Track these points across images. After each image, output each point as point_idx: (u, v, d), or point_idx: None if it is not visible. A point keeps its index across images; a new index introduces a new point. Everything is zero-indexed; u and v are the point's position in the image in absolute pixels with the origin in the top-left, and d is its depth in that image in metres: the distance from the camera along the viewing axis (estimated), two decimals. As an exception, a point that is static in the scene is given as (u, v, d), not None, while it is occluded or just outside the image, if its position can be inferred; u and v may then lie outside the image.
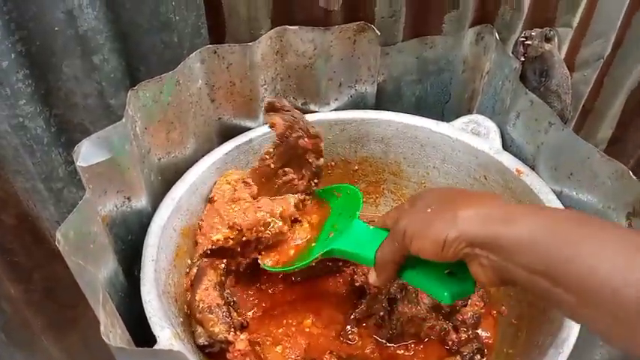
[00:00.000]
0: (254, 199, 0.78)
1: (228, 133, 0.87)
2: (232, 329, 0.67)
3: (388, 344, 0.75)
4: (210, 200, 0.79)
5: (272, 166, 0.78)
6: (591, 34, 1.13)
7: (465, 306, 0.76)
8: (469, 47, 0.96)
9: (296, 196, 0.80)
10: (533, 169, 0.81)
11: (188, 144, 0.81)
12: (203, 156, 0.82)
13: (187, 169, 0.80)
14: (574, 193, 0.76)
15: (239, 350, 0.65)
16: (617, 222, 0.70)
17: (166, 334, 0.60)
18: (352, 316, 0.77)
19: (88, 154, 0.62)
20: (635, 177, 0.66)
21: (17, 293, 0.83)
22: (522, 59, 0.85)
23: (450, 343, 0.75)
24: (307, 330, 0.76)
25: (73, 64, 0.68)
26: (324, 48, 0.86)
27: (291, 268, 0.75)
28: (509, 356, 0.73)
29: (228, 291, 0.74)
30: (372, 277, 0.64)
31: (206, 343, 0.67)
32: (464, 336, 0.75)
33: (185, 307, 0.71)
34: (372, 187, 0.98)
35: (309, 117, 0.88)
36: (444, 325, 0.75)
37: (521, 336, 0.73)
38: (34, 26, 0.63)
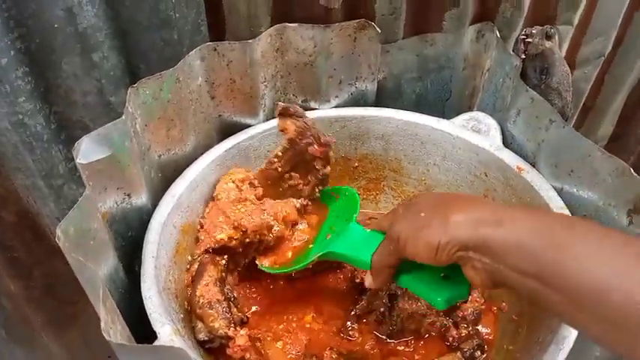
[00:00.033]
0: (258, 200, 0.79)
1: (228, 130, 0.87)
2: (232, 325, 0.67)
3: (388, 340, 0.75)
4: (213, 198, 0.79)
5: (279, 169, 0.79)
6: (592, 32, 1.13)
7: (466, 302, 0.76)
8: (470, 45, 0.96)
9: (299, 200, 0.80)
10: (533, 166, 0.81)
11: (188, 141, 0.81)
12: (203, 153, 0.82)
13: (187, 166, 0.80)
14: (575, 190, 0.75)
15: (239, 346, 0.65)
16: (608, 225, 0.70)
17: (167, 330, 0.60)
18: (353, 312, 0.77)
19: (87, 151, 0.62)
20: (635, 174, 0.66)
21: (17, 290, 0.83)
22: (523, 57, 0.84)
23: (451, 339, 0.75)
24: (308, 326, 0.76)
25: (72, 62, 0.68)
26: (325, 45, 0.86)
27: (289, 269, 0.75)
28: (510, 352, 0.73)
29: (229, 287, 0.74)
30: (369, 281, 0.65)
31: (206, 338, 0.67)
32: (464, 332, 0.75)
33: (185, 303, 0.71)
34: (372, 184, 0.98)
35: (308, 114, 0.88)
36: (445, 322, 0.75)
37: (521, 332, 0.73)
38: (33, 23, 0.63)
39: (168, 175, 0.79)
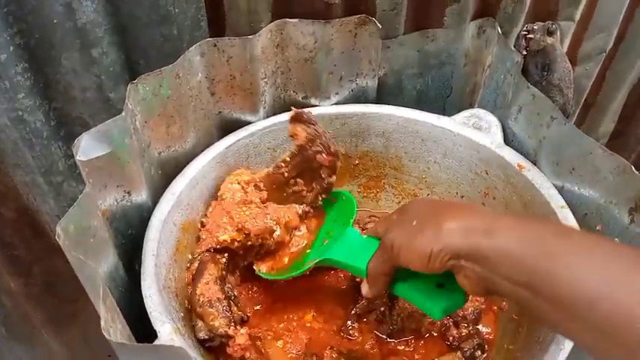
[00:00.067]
0: (262, 203, 0.79)
1: (229, 126, 0.86)
2: (232, 323, 0.67)
3: (389, 339, 0.75)
4: (216, 197, 0.79)
5: (285, 174, 0.79)
6: (593, 28, 1.13)
7: (466, 301, 0.76)
8: (471, 40, 0.95)
9: (301, 207, 0.80)
10: (534, 164, 0.81)
11: (188, 138, 0.81)
12: (203, 150, 0.82)
13: (187, 163, 0.80)
14: (576, 188, 0.75)
15: (239, 344, 0.65)
16: (610, 223, 0.71)
17: (167, 329, 0.60)
18: (353, 312, 0.76)
19: (87, 147, 0.61)
20: (637, 172, 0.66)
21: (17, 287, 0.83)
22: (524, 53, 0.84)
23: (451, 338, 0.75)
24: (308, 325, 0.76)
25: (72, 57, 0.68)
26: (325, 41, 0.85)
27: (285, 276, 0.76)
28: (510, 352, 0.72)
29: (229, 285, 0.74)
30: (365, 289, 0.65)
31: (206, 337, 0.66)
32: (464, 331, 0.75)
33: (186, 301, 0.71)
34: (372, 182, 0.97)
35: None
36: (445, 321, 0.75)
37: (522, 332, 0.73)
38: (32, 19, 0.63)
39: (169, 172, 0.79)
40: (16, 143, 0.68)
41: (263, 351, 0.70)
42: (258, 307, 0.78)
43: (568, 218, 0.72)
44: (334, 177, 0.79)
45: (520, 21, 0.97)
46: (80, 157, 0.61)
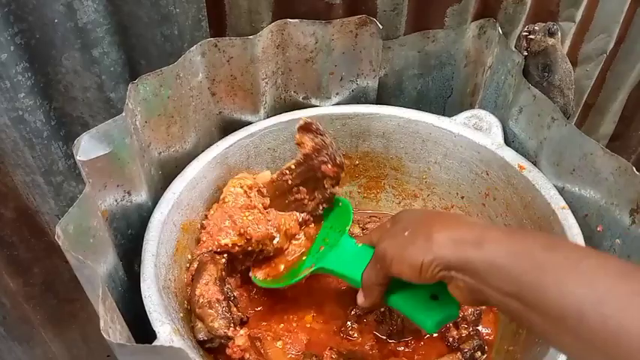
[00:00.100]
0: (265, 209, 0.79)
1: (229, 127, 0.86)
2: (232, 325, 0.66)
3: (389, 340, 0.75)
4: (218, 200, 0.79)
5: (289, 182, 0.79)
6: (594, 29, 1.13)
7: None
8: (471, 41, 0.95)
9: (302, 215, 0.81)
10: (535, 165, 0.81)
11: (188, 138, 0.81)
12: (203, 150, 0.82)
13: (188, 163, 0.80)
14: (576, 189, 0.75)
15: (238, 346, 0.65)
16: (611, 224, 0.71)
17: (166, 329, 0.60)
18: (353, 312, 0.76)
19: (87, 147, 0.61)
20: (638, 173, 0.66)
21: (16, 287, 0.83)
22: (525, 54, 0.84)
23: (451, 339, 0.75)
24: (308, 325, 0.76)
25: (72, 57, 0.68)
26: (326, 42, 0.85)
27: (281, 284, 0.76)
28: (510, 353, 0.72)
29: (229, 286, 0.74)
30: (360, 299, 0.66)
31: (205, 338, 0.66)
32: (464, 332, 0.75)
33: (185, 302, 0.71)
34: (373, 182, 0.97)
35: (308, 111, 0.88)
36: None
37: (522, 333, 0.72)
38: (33, 19, 0.63)
39: (169, 172, 0.79)
40: (17, 143, 0.68)
41: (263, 351, 0.70)
42: (258, 309, 0.78)
43: (568, 219, 0.72)
44: (337, 188, 0.80)
45: (521, 22, 0.97)
46: (80, 156, 0.60)
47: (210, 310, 0.66)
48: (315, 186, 0.79)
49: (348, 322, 0.76)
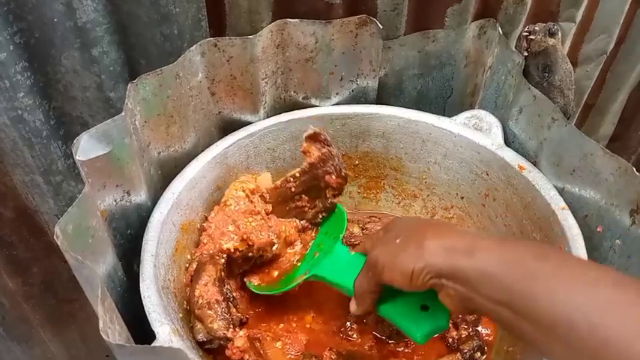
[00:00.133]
0: (267, 215, 0.79)
1: (229, 127, 0.86)
2: (231, 326, 0.66)
3: (388, 341, 0.75)
4: (219, 202, 0.79)
5: (292, 189, 0.79)
6: (594, 30, 1.13)
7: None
8: (472, 41, 0.95)
9: (301, 222, 0.81)
10: (535, 165, 0.80)
11: (188, 138, 0.80)
12: (203, 150, 0.82)
13: (187, 163, 0.80)
14: (576, 189, 0.75)
15: (238, 347, 0.65)
16: (610, 225, 0.71)
17: (165, 330, 0.59)
18: (352, 313, 0.76)
19: (87, 147, 0.61)
20: (638, 173, 0.66)
21: (15, 287, 0.83)
22: (525, 54, 0.84)
23: (450, 340, 0.75)
24: (308, 326, 0.76)
25: (72, 57, 0.67)
26: (326, 41, 0.85)
27: (276, 291, 0.76)
28: (510, 354, 0.72)
29: (228, 287, 0.73)
30: (353, 307, 0.66)
31: (205, 339, 0.66)
32: (464, 333, 0.75)
33: (185, 302, 0.71)
34: (372, 183, 0.97)
35: (308, 111, 0.88)
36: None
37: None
38: (32, 18, 0.63)
39: (168, 172, 0.79)
40: (16, 142, 0.67)
41: (262, 352, 0.70)
42: (258, 309, 0.78)
43: (568, 219, 0.72)
44: (339, 198, 0.80)
45: (521, 22, 0.97)
46: (79, 156, 0.60)
47: (209, 311, 0.66)
48: (316, 195, 0.79)
49: (348, 323, 0.76)
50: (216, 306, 0.67)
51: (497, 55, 0.92)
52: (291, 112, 0.88)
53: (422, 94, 1.00)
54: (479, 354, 0.73)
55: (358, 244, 0.84)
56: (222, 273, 0.72)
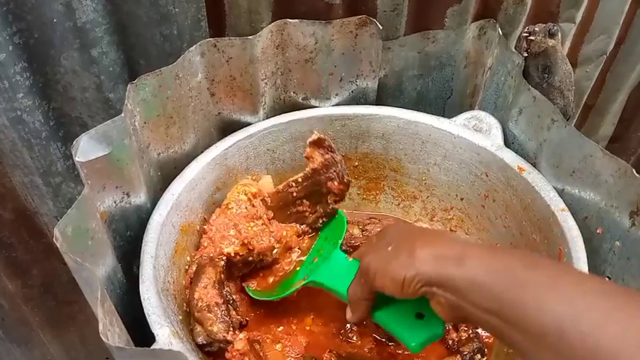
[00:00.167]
0: (268, 219, 0.79)
1: (228, 127, 0.86)
2: (231, 328, 0.66)
3: (388, 343, 0.75)
4: (220, 205, 0.79)
5: (294, 194, 0.80)
6: (594, 30, 1.13)
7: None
8: (471, 42, 0.95)
9: (301, 227, 0.81)
10: (535, 167, 0.80)
11: (187, 139, 0.80)
12: (202, 151, 0.82)
13: (187, 164, 0.79)
14: (576, 191, 0.75)
15: (237, 350, 0.65)
16: (610, 227, 0.71)
17: (165, 332, 0.59)
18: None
19: (86, 148, 0.61)
20: (638, 175, 0.66)
21: (15, 289, 0.83)
22: (525, 55, 0.84)
23: (450, 342, 0.75)
24: (307, 328, 0.76)
25: (71, 57, 0.67)
26: (326, 42, 0.85)
27: (274, 297, 0.76)
28: (510, 356, 0.72)
29: (228, 289, 0.73)
30: (348, 315, 0.66)
31: (205, 342, 0.66)
32: (464, 335, 0.75)
33: (184, 304, 0.71)
34: (372, 184, 0.97)
35: (308, 112, 0.88)
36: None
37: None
38: (32, 18, 0.63)
39: (168, 173, 0.78)
40: (15, 143, 0.67)
41: (262, 354, 0.69)
42: (258, 312, 0.78)
43: (568, 221, 0.72)
44: (340, 204, 0.80)
45: (521, 22, 0.97)
46: (79, 158, 0.60)
47: (209, 314, 0.66)
48: (318, 200, 0.80)
49: (348, 325, 0.76)
50: (215, 309, 0.67)
51: (497, 56, 0.92)
52: (290, 113, 0.88)
53: (422, 94, 1.00)
54: (479, 356, 0.73)
55: (358, 245, 0.85)
56: (222, 275, 0.72)
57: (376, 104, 0.94)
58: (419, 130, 0.89)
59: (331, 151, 0.77)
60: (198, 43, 0.75)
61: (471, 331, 0.75)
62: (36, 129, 0.68)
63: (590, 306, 0.43)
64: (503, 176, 0.82)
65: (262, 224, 0.78)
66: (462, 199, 0.90)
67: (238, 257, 0.75)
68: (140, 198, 0.72)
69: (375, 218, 0.95)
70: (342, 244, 0.76)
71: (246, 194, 0.79)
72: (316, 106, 0.91)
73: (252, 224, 0.77)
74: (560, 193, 0.76)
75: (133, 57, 0.73)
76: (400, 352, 0.74)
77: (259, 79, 0.84)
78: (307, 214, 0.80)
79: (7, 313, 0.85)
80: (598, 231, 0.73)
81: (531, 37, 0.83)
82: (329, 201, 0.79)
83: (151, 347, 0.57)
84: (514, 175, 0.80)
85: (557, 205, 0.74)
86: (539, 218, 0.77)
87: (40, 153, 0.70)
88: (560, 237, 0.72)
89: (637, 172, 0.66)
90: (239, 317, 0.72)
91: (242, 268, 0.77)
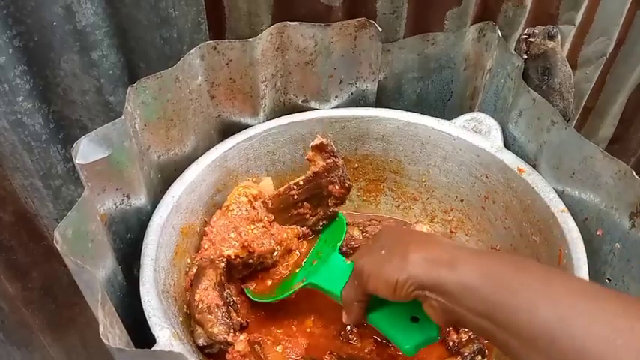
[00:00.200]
0: (268, 222, 0.79)
1: (228, 130, 0.86)
2: (232, 330, 0.66)
3: (388, 344, 0.75)
4: (221, 207, 0.79)
5: (295, 197, 0.80)
6: (594, 32, 1.13)
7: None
8: (471, 44, 0.95)
9: (302, 229, 0.81)
10: (535, 168, 0.80)
11: (187, 141, 0.80)
12: (203, 153, 0.82)
13: (187, 166, 0.80)
14: (576, 192, 0.75)
15: (238, 351, 0.65)
16: (610, 228, 0.71)
17: (165, 333, 0.59)
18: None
19: (86, 151, 0.61)
20: (637, 177, 0.66)
21: (15, 291, 0.83)
22: (525, 57, 0.84)
23: (451, 343, 0.74)
24: (308, 330, 0.76)
25: (71, 60, 0.67)
26: (325, 44, 0.85)
27: (273, 298, 0.76)
28: (510, 357, 0.72)
29: (228, 291, 0.73)
30: (344, 317, 0.66)
31: (205, 343, 0.66)
32: (465, 336, 0.75)
33: (185, 306, 0.71)
34: (372, 186, 0.97)
35: (308, 115, 0.88)
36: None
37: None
38: (32, 21, 0.63)
39: (168, 175, 0.79)
40: (15, 146, 0.67)
41: (262, 356, 0.69)
42: (259, 314, 0.78)
43: (568, 222, 0.72)
44: (341, 207, 0.80)
45: (520, 25, 0.97)
46: (79, 160, 0.60)
47: (209, 316, 0.66)
48: (318, 203, 0.80)
49: (348, 327, 0.76)
50: (216, 310, 0.67)
51: (496, 58, 0.92)
52: (290, 115, 0.89)
53: (421, 97, 1.00)
54: (479, 357, 0.73)
55: (358, 247, 0.85)
56: (223, 277, 0.72)
57: (376, 106, 0.94)
58: (419, 131, 0.89)
59: (333, 156, 0.77)
60: (198, 46, 0.75)
61: (471, 333, 0.75)
62: (36, 132, 0.68)
63: (576, 308, 0.44)
64: (503, 178, 0.82)
65: (263, 227, 0.78)
66: (461, 201, 0.90)
67: (238, 259, 0.75)
68: (140, 200, 0.72)
69: (376, 220, 0.95)
70: (341, 246, 0.76)
71: (246, 196, 0.79)
72: (316, 109, 0.92)
73: (252, 227, 0.77)
74: (561, 194, 0.76)
75: (133, 60, 0.73)
76: (400, 353, 0.74)
77: (259, 82, 0.84)
78: (308, 216, 0.81)
79: (8, 315, 0.85)
80: (598, 233, 0.73)
81: (531, 40, 0.84)
82: (329, 204, 0.79)
83: (152, 348, 0.57)
84: (514, 176, 0.80)
85: (557, 206, 0.75)
86: (539, 219, 0.77)
87: (40, 156, 0.70)
88: (560, 238, 0.72)
89: (637, 174, 0.66)
90: (239, 319, 0.72)
91: (242, 270, 0.77)
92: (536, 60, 0.83)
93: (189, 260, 0.75)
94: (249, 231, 0.76)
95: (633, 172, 0.66)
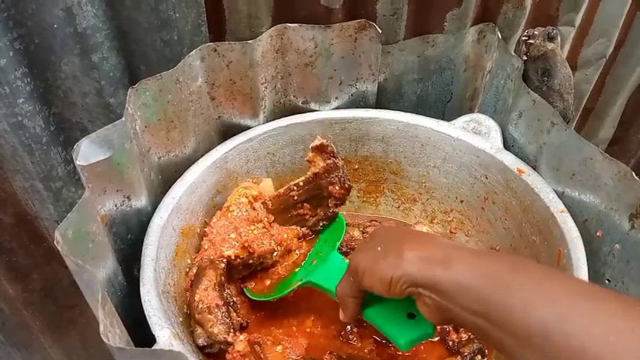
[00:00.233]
0: (268, 222, 0.80)
1: (228, 131, 0.86)
2: (232, 330, 0.66)
3: (388, 344, 0.75)
4: (221, 208, 0.80)
5: (295, 198, 0.80)
6: (593, 33, 1.13)
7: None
8: (471, 46, 0.95)
9: (302, 229, 0.81)
10: (535, 170, 0.80)
11: (188, 143, 0.81)
12: (203, 155, 0.82)
13: (187, 167, 0.80)
14: (576, 193, 0.75)
15: (238, 351, 0.65)
16: (610, 229, 0.71)
17: (165, 333, 0.60)
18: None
19: (87, 152, 0.61)
20: (637, 178, 0.66)
21: (15, 293, 0.83)
22: (525, 58, 0.84)
23: (451, 343, 0.74)
24: (308, 330, 0.76)
25: (71, 63, 0.67)
26: (325, 46, 0.85)
27: (272, 297, 0.76)
28: (510, 357, 0.72)
29: (228, 291, 0.74)
30: (341, 314, 0.67)
31: (205, 344, 0.66)
32: (464, 336, 0.75)
33: (185, 306, 0.71)
34: (372, 187, 0.97)
35: (308, 116, 0.88)
36: (445, 325, 0.75)
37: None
38: (32, 24, 0.63)
39: (168, 177, 0.79)
40: (16, 149, 0.68)
41: (262, 356, 0.70)
42: (259, 314, 0.78)
43: (567, 222, 0.72)
44: (341, 207, 0.80)
45: (520, 26, 0.97)
46: (80, 161, 0.60)
47: (209, 316, 0.66)
48: (318, 203, 0.80)
49: (348, 327, 0.76)
50: (216, 310, 0.67)
51: (496, 60, 0.92)
52: (290, 117, 0.89)
53: (421, 98, 1.00)
54: (479, 357, 0.73)
55: (359, 247, 0.85)
56: (223, 277, 0.72)
57: (376, 108, 0.94)
58: (418, 133, 0.89)
59: (333, 157, 0.77)
60: (199, 48, 0.75)
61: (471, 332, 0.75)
62: (37, 134, 0.68)
63: (575, 308, 0.44)
64: (503, 178, 0.82)
65: (263, 227, 0.78)
66: (461, 202, 0.90)
67: (238, 260, 0.75)
68: (141, 201, 0.72)
69: (376, 221, 0.95)
70: (341, 246, 0.76)
71: (247, 197, 0.80)
72: (316, 110, 0.92)
73: (252, 227, 0.77)
74: (561, 195, 0.76)
75: (134, 62, 0.74)
76: (400, 353, 0.74)
77: (259, 83, 0.84)
78: (308, 217, 0.81)
79: (8, 317, 0.85)
80: (598, 234, 0.73)
81: (531, 41, 0.84)
82: (329, 205, 0.79)
83: (152, 348, 0.57)
84: (513, 177, 0.80)
85: (557, 206, 0.75)
86: (539, 220, 0.77)
87: (41, 158, 0.70)
88: (560, 238, 0.72)
89: (637, 175, 0.66)
90: (239, 319, 0.73)
91: (242, 271, 0.78)
92: (536, 61, 0.84)
93: (189, 261, 0.76)
94: (250, 232, 0.76)
95: (633, 173, 0.66)
